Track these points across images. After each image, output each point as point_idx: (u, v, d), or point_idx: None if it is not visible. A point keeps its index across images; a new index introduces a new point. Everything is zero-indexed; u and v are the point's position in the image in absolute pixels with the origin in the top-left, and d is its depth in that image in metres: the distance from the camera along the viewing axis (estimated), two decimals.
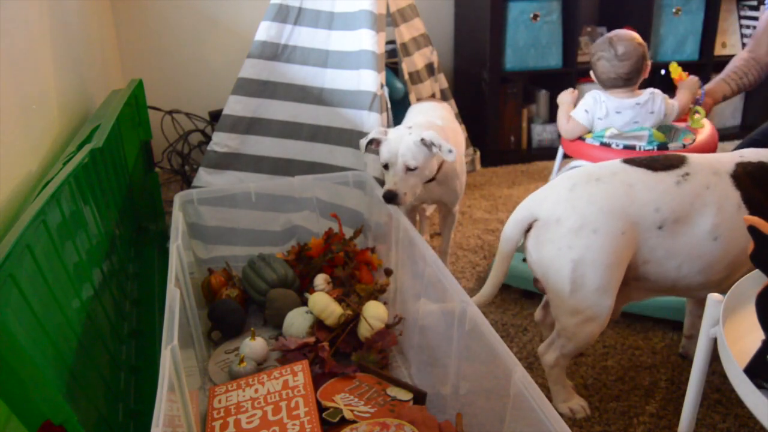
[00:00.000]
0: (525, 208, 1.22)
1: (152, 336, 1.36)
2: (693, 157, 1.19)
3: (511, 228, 1.23)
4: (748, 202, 1.15)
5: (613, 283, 1.15)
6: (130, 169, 1.80)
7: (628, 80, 1.64)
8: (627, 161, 1.21)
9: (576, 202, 1.15)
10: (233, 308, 1.51)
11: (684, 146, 1.61)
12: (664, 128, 1.71)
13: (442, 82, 2.62)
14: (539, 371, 1.39)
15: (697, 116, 1.72)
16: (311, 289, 1.58)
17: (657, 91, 1.67)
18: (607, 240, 1.12)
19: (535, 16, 2.74)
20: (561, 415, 0.83)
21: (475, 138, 2.79)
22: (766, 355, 0.80)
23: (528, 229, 1.21)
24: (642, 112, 1.64)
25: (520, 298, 1.70)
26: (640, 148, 1.60)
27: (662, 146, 1.60)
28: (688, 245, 1.14)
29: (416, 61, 2.44)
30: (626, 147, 1.61)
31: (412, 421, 1.07)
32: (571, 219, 1.14)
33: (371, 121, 1.88)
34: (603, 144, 1.64)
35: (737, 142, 1.95)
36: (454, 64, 3.09)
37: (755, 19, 3.18)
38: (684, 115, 1.72)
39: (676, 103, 1.68)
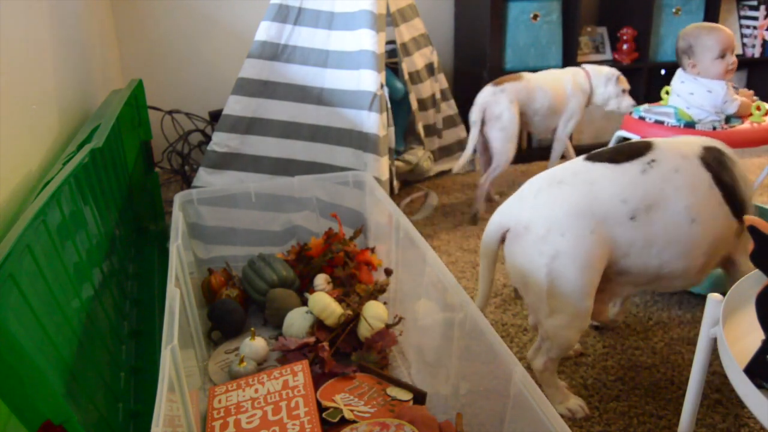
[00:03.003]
0: (496, 219, 1.23)
1: (152, 336, 1.36)
2: (659, 143, 1.21)
3: (487, 240, 1.25)
4: (719, 183, 1.17)
5: (589, 284, 1.14)
6: (130, 169, 1.80)
7: (677, 58, 1.76)
8: (590, 158, 1.22)
9: (540, 209, 1.15)
10: (233, 308, 1.51)
11: (714, 128, 1.65)
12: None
13: (442, 82, 2.62)
14: None
15: (758, 111, 1.73)
16: (311, 289, 1.58)
17: (722, 81, 1.71)
18: (577, 241, 1.12)
19: (535, 16, 2.74)
20: (560, 416, 0.83)
21: None
22: (766, 355, 0.80)
23: (503, 239, 1.23)
24: (699, 88, 1.71)
25: (520, 297, 1.70)
26: (668, 124, 1.70)
27: (689, 124, 1.67)
28: (667, 231, 1.15)
29: (416, 61, 2.44)
30: (656, 121, 1.72)
31: (412, 421, 1.07)
32: (538, 225, 1.14)
33: (371, 121, 1.89)
34: (640, 117, 1.78)
35: None
36: (454, 64, 3.09)
37: (755, 19, 3.18)
38: (747, 111, 1.74)
39: (739, 99, 1.72)
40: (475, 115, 2.19)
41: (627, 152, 1.20)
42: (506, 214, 1.21)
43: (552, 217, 1.13)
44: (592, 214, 1.13)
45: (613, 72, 2.29)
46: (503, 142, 2.18)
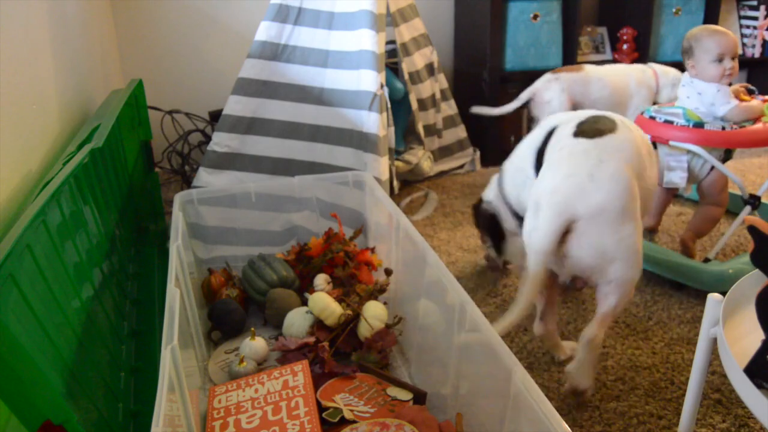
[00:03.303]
0: (558, 214, 1.20)
1: (152, 336, 1.36)
2: (613, 118, 1.34)
3: (548, 240, 1.20)
4: None
5: None
6: (130, 169, 1.80)
7: (683, 59, 1.80)
8: (589, 135, 1.29)
9: (607, 186, 1.20)
10: (233, 308, 1.51)
11: (723, 128, 1.66)
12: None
13: (442, 82, 2.62)
14: (539, 371, 1.39)
15: None
16: (311, 289, 1.58)
17: (714, 84, 1.71)
18: (638, 201, 1.23)
19: (535, 16, 2.74)
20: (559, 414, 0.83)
21: (475, 138, 2.79)
22: (766, 355, 0.80)
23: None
24: (692, 90, 1.74)
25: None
26: (677, 124, 1.72)
27: (698, 124, 1.68)
28: (651, 180, 1.33)
29: (416, 61, 2.44)
30: (666, 121, 1.74)
31: (412, 421, 1.08)
32: (615, 201, 1.19)
33: (371, 121, 1.89)
34: (651, 117, 1.79)
35: None
36: (454, 64, 3.09)
37: (755, 19, 3.18)
38: (754, 115, 1.72)
39: (734, 102, 1.68)
40: (524, 94, 2.39)
41: (613, 124, 1.31)
42: (571, 206, 1.20)
43: (622, 189, 1.20)
44: (635, 175, 1.24)
45: (678, 76, 2.35)
46: None
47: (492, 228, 1.68)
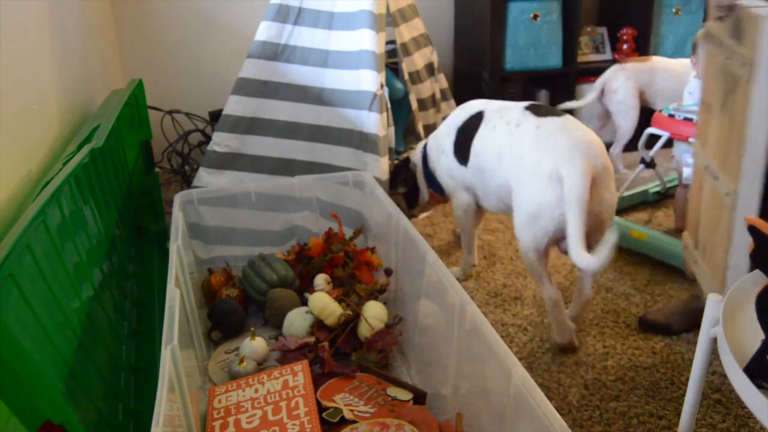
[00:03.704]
0: (586, 169, 1.33)
1: (152, 336, 1.36)
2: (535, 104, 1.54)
3: (586, 192, 1.32)
4: None
5: None
6: (130, 169, 1.80)
7: None
8: (544, 114, 1.45)
9: (599, 151, 1.39)
10: (233, 308, 1.51)
11: None
12: None
13: (442, 82, 2.62)
14: (539, 371, 1.39)
15: None
16: (311, 289, 1.58)
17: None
18: None
19: (535, 16, 2.73)
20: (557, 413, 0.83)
21: None
22: (766, 355, 0.80)
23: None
24: (686, 88, 1.87)
25: (519, 297, 1.70)
26: (696, 121, 1.76)
27: None
28: None
29: (416, 61, 2.44)
30: (686, 119, 1.83)
31: (412, 421, 1.08)
32: (608, 161, 1.40)
33: (371, 121, 1.89)
34: (670, 115, 1.88)
35: None
36: (454, 64, 3.09)
37: None
38: None
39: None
40: (597, 84, 2.52)
41: (551, 109, 1.51)
42: (589, 162, 1.35)
43: (606, 153, 1.41)
44: None
45: None
46: (622, 116, 2.48)
47: (412, 186, 1.96)
